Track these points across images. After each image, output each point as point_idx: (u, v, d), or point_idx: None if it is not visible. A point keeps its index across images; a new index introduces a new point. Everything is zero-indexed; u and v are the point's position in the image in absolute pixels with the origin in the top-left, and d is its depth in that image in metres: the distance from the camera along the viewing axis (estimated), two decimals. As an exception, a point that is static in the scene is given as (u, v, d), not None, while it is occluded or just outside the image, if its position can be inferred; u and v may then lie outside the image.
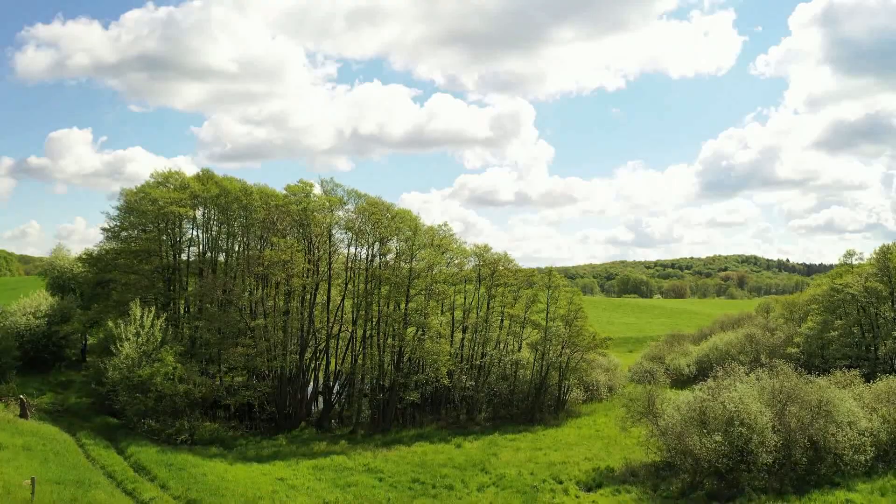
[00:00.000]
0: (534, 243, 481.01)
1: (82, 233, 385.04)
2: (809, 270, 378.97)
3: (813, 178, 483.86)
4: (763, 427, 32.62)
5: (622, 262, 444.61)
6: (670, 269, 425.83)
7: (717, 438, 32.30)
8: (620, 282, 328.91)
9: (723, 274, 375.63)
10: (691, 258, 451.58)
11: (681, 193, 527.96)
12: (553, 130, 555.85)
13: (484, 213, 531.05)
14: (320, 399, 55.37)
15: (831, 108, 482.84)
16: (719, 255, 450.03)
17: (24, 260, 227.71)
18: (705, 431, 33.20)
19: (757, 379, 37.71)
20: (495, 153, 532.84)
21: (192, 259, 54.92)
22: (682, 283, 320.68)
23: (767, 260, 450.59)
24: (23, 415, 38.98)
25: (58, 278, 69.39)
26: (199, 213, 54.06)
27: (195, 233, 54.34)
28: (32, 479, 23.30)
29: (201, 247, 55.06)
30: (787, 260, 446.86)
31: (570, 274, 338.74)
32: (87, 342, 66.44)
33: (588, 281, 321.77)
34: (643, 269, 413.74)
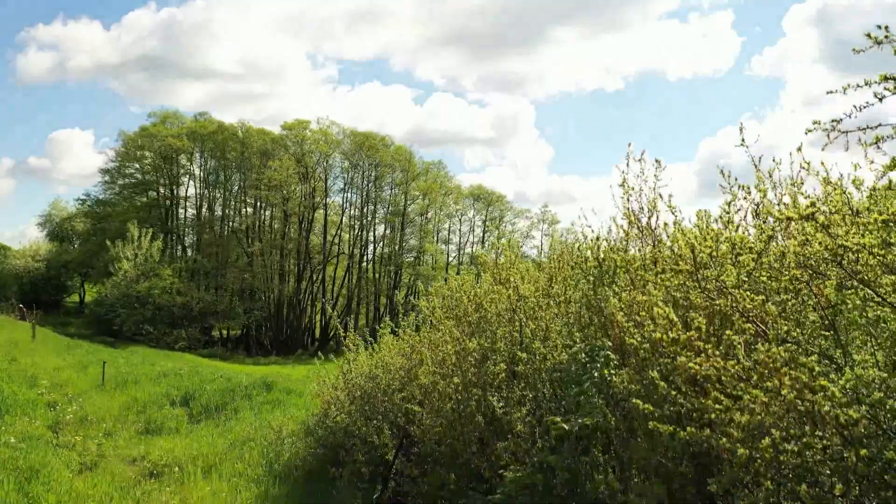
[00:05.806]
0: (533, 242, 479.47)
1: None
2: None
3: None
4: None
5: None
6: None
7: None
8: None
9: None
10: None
11: (679, 192, 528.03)
12: (553, 130, 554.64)
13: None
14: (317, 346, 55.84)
15: (827, 108, 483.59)
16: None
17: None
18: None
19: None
20: (496, 153, 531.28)
21: (189, 195, 55.34)
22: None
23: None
24: (22, 319, 39.46)
25: (56, 228, 69.73)
26: (196, 151, 54.42)
27: (193, 168, 54.75)
28: (33, 326, 23.78)
29: (198, 185, 55.45)
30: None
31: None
32: (85, 296, 66.93)
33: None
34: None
